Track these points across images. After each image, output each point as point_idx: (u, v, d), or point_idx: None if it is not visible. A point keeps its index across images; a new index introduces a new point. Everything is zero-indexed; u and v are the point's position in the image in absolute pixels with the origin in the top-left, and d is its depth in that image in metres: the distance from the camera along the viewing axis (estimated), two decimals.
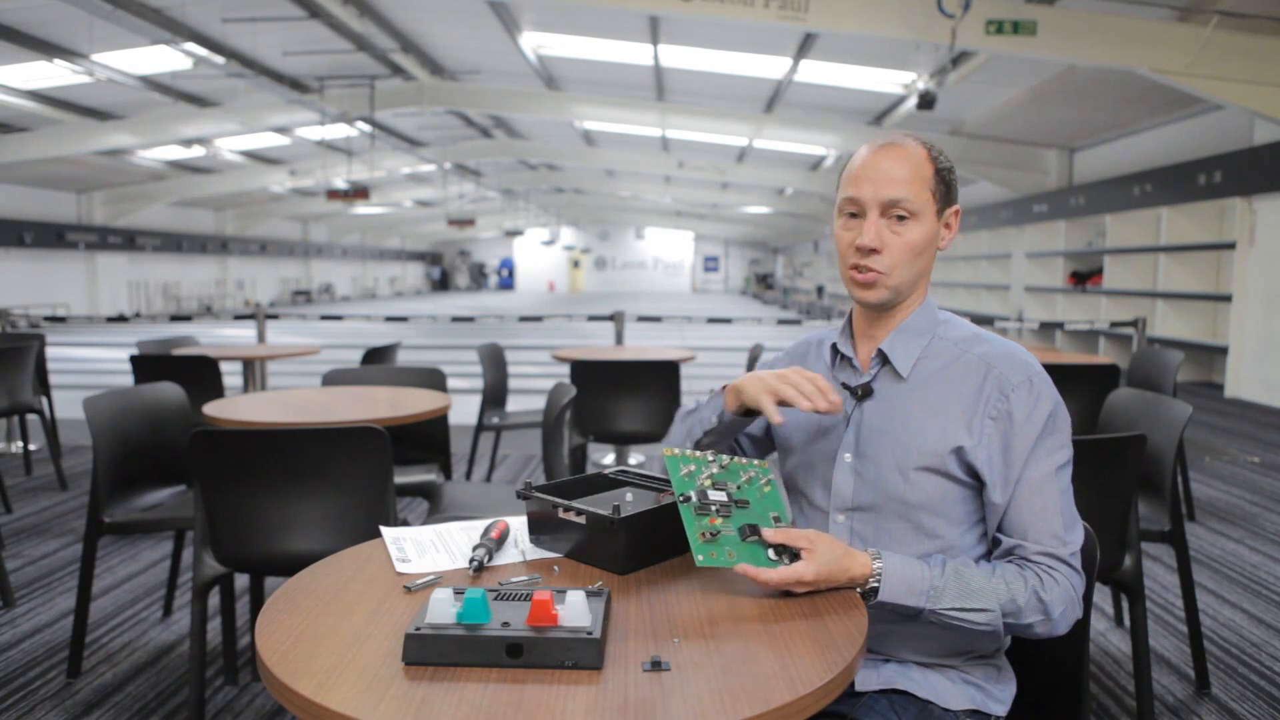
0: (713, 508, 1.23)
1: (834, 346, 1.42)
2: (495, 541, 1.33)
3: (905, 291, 1.34)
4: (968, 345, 1.33)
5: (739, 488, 1.28)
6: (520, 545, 1.37)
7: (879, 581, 1.20)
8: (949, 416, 1.28)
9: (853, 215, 1.33)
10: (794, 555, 1.19)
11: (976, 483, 1.29)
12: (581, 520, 1.29)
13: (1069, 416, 1.30)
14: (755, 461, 1.35)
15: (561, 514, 1.31)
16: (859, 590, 1.20)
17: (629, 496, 1.44)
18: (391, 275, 37.90)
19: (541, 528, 1.36)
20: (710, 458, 1.32)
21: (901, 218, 1.30)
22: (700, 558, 1.17)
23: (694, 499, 1.23)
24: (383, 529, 1.41)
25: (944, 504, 1.29)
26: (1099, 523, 1.33)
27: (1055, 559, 1.24)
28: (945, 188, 1.33)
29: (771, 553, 1.20)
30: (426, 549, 1.35)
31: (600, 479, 1.51)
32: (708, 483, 1.27)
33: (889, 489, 1.30)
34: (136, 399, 2.68)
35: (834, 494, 1.36)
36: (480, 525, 1.41)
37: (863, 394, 1.35)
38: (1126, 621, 2.92)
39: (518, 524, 1.42)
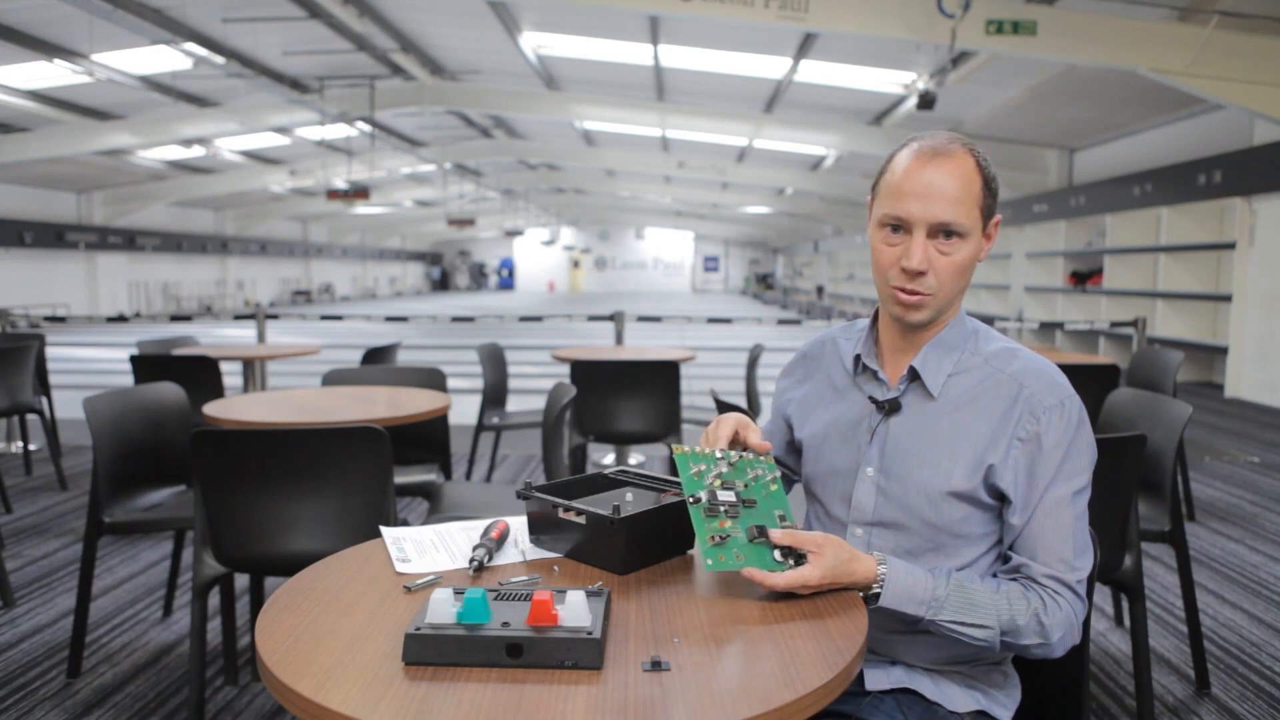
0: (721, 509, 1.22)
1: (858, 358, 1.37)
2: (495, 541, 1.33)
3: (947, 309, 1.30)
4: (1000, 362, 1.29)
5: (746, 486, 1.27)
6: (520, 545, 1.37)
7: (881, 587, 1.18)
8: (979, 440, 1.25)
9: (895, 229, 1.26)
10: (800, 557, 1.18)
11: (1000, 504, 1.27)
12: (581, 520, 1.28)
13: (1095, 443, 1.27)
14: (762, 458, 1.32)
15: (561, 514, 1.31)
16: (861, 594, 1.19)
17: (629, 496, 1.43)
18: (391, 275, 37.89)
19: (541, 528, 1.35)
20: (719, 454, 1.29)
21: (949, 236, 1.24)
22: (709, 562, 1.16)
23: (704, 500, 1.22)
24: (382, 529, 1.41)
25: (968, 527, 1.27)
26: (1099, 523, 1.32)
27: (1061, 584, 1.22)
28: (992, 199, 1.27)
29: (778, 554, 1.19)
30: (426, 549, 1.35)
31: (600, 479, 1.51)
32: (716, 482, 1.25)
33: (914, 509, 1.28)
34: (136, 399, 2.67)
35: (854, 508, 1.33)
36: (480, 525, 1.41)
37: (889, 409, 1.31)
38: (1126, 621, 2.92)
39: (518, 524, 1.42)
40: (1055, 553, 1.23)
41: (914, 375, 1.31)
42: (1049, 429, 1.23)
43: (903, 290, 1.26)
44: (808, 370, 1.48)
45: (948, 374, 1.30)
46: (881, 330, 1.37)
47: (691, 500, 1.21)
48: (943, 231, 1.24)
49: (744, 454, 1.31)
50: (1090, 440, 1.26)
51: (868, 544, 1.32)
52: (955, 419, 1.28)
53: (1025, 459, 1.23)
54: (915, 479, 1.28)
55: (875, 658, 1.33)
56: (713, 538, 1.18)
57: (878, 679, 1.31)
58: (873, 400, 1.33)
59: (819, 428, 1.39)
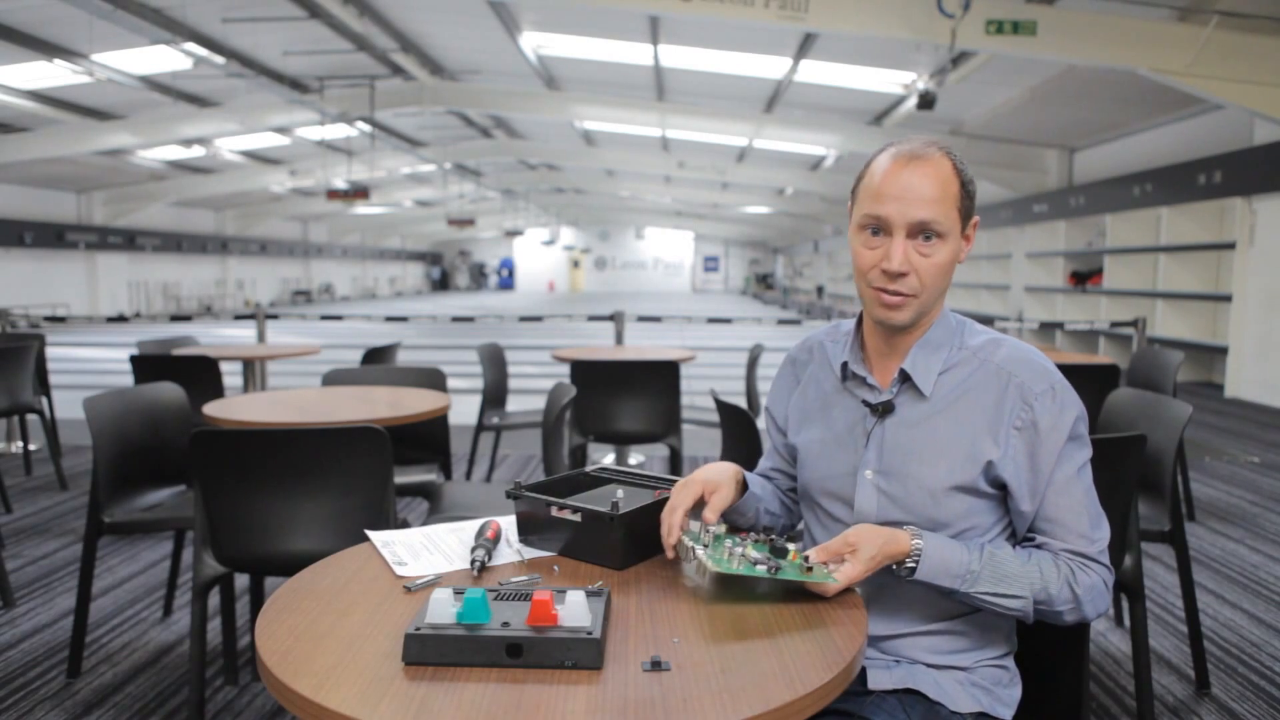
0: (751, 561, 1.20)
1: (845, 365, 1.37)
2: (491, 542, 1.33)
3: (929, 310, 1.31)
4: (986, 353, 1.31)
5: (735, 543, 1.25)
6: (515, 545, 1.38)
7: (917, 561, 1.22)
8: (975, 433, 1.27)
9: (875, 231, 1.28)
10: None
11: (1002, 493, 1.29)
12: (576, 518, 1.29)
13: (1087, 415, 1.31)
14: (710, 526, 1.29)
15: (555, 512, 1.32)
16: (894, 567, 1.23)
17: (620, 493, 1.44)
18: (391, 275, 37.88)
19: (531, 528, 1.36)
20: (701, 548, 1.23)
21: (928, 238, 1.26)
22: (804, 581, 1.18)
23: (735, 566, 1.19)
24: (370, 533, 1.41)
25: (971, 517, 1.29)
26: None
27: (1085, 557, 1.26)
28: (969, 201, 1.29)
29: (829, 566, 1.21)
30: (419, 551, 1.35)
31: (583, 478, 1.53)
32: (723, 555, 1.22)
33: (917, 507, 1.29)
34: (136, 399, 2.67)
35: (857, 511, 1.34)
36: (468, 526, 1.41)
37: (883, 411, 1.32)
38: (1126, 621, 2.92)
39: (509, 524, 1.42)
40: (1074, 529, 1.26)
41: (905, 377, 1.32)
42: (1043, 414, 1.26)
43: (885, 291, 1.28)
44: (796, 375, 1.48)
45: (938, 372, 1.31)
46: (866, 335, 1.38)
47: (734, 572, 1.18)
48: (922, 233, 1.26)
49: (706, 531, 1.28)
50: (1083, 414, 1.29)
51: None
52: (949, 415, 1.29)
53: (1025, 446, 1.26)
54: (915, 477, 1.29)
55: (878, 657, 1.33)
56: (769, 572, 1.19)
57: (880, 678, 1.31)
58: (866, 404, 1.34)
59: (814, 434, 1.40)
